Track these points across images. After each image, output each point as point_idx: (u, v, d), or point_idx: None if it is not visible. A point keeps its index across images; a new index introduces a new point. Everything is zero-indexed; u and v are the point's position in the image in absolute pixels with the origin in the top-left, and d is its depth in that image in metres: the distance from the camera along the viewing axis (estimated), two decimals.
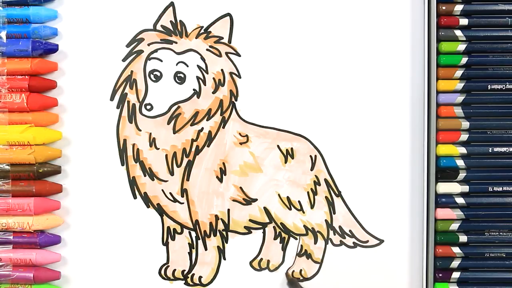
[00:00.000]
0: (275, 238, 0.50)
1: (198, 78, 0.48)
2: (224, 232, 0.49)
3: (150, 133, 0.49)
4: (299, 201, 0.49)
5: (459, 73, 0.48)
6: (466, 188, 0.48)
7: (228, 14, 0.49)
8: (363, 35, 0.49)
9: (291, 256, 0.50)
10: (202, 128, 0.49)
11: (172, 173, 0.49)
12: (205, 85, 0.48)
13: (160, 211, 0.49)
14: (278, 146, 0.49)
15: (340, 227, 0.49)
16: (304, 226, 0.49)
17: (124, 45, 0.49)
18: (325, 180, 0.49)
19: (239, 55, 0.49)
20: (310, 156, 0.49)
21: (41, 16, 0.48)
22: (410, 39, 0.49)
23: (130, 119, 0.49)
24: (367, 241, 0.49)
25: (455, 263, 0.48)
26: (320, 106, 0.49)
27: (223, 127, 0.49)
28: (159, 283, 0.49)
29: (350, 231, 0.49)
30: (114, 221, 0.49)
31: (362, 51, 0.49)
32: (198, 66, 0.48)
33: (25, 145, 0.47)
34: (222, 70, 0.49)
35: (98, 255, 0.49)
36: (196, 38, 0.49)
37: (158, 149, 0.49)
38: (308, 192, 0.49)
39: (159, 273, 0.49)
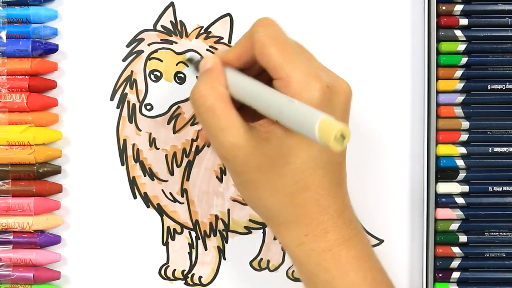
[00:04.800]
0: (275, 238, 0.50)
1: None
2: (224, 232, 0.49)
3: (150, 133, 0.49)
4: None
5: (459, 73, 0.48)
6: (466, 188, 0.48)
7: (228, 14, 0.49)
8: (363, 35, 0.49)
9: None
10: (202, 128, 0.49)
11: (172, 173, 0.49)
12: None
13: (160, 211, 0.49)
14: None
15: None
16: None
17: (124, 45, 0.49)
18: None
19: None
20: None
21: (41, 16, 0.48)
22: (410, 39, 0.49)
23: (130, 119, 0.49)
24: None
25: (455, 263, 0.48)
26: None
27: None
28: (159, 283, 0.49)
29: None
30: (114, 221, 0.49)
31: (362, 51, 0.49)
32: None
33: (25, 145, 0.47)
34: None
35: (98, 255, 0.49)
36: (196, 38, 0.49)
37: (158, 149, 0.49)
38: None
39: (159, 273, 0.49)
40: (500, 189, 0.48)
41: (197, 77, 0.48)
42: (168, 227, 0.49)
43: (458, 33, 0.48)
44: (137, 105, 0.48)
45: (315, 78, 0.36)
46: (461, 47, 0.48)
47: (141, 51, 0.49)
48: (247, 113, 0.38)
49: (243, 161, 0.36)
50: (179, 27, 0.49)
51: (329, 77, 0.37)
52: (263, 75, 0.38)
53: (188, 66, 0.48)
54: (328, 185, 0.37)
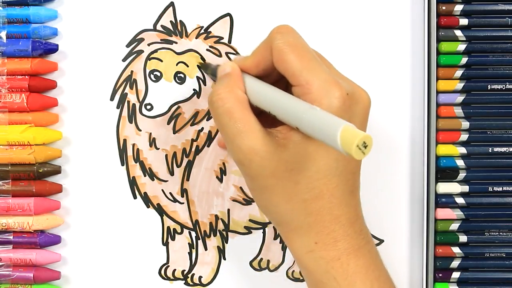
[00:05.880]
0: (275, 238, 0.50)
1: (198, 78, 0.48)
2: (224, 232, 0.49)
3: (150, 133, 0.49)
4: None
5: (459, 73, 0.48)
6: (466, 188, 0.48)
7: (228, 14, 0.49)
8: (363, 35, 0.49)
9: (291, 256, 0.50)
10: (202, 128, 0.49)
11: (172, 173, 0.49)
12: (205, 85, 0.48)
13: (160, 211, 0.49)
14: None
15: None
16: None
17: (124, 45, 0.49)
18: None
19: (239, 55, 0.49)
20: None
21: (41, 16, 0.48)
22: (410, 39, 0.49)
23: (130, 119, 0.49)
24: None
25: (455, 263, 0.48)
26: None
27: None
28: (159, 283, 0.49)
29: None
30: (114, 221, 0.49)
31: (362, 51, 0.49)
32: (198, 66, 0.48)
33: (25, 145, 0.47)
34: None
35: (98, 255, 0.49)
36: (196, 38, 0.49)
37: (158, 149, 0.49)
38: None
39: (159, 273, 0.49)
40: (500, 189, 0.48)
41: (196, 78, 0.48)
42: (168, 227, 0.49)
43: (458, 33, 0.48)
44: (137, 105, 0.48)
45: (335, 85, 0.36)
46: (461, 47, 0.48)
47: (141, 51, 0.49)
48: (264, 119, 0.37)
49: (258, 165, 0.36)
50: (179, 27, 0.49)
51: (348, 85, 0.37)
52: (280, 83, 0.38)
53: (205, 72, 0.48)
54: (342, 194, 0.37)
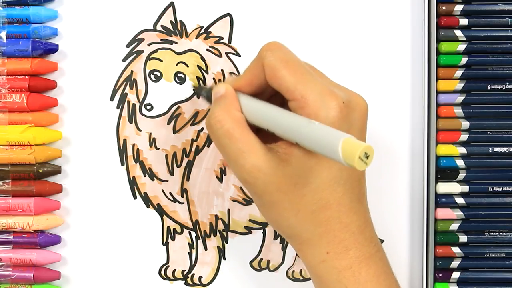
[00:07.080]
0: (275, 238, 0.50)
1: (198, 78, 0.48)
2: (224, 232, 0.49)
3: (150, 133, 0.49)
4: None
5: (459, 73, 0.48)
6: (466, 188, 0.48)
7: (228, 14, 0.49)
8: (363, 35, 0.49)
9: (291, 256, 0.50)
10: (202, 128, 0.49)
11: (172, 173, 0.49)
12: (205, 85, 0.48)
13: (160, 211, 0.49)
14: None
15: None
16: None
17: (124, 45, 0.49)
18: None
19: (239, 55, 0.49)
20: None
21: (41, 16, 0.48)
22: (410, 39, 0.49)
23: (130, 119, 0.49)
24: None
25: (455, 263, 0.48)
26: None
27: None
28: (159, 283, 0.49)
29: None
30: (114, 221, 0.49)
31: (362, 51, 0.49)
32: (198, 66, 0.48)
33: (25, 145, 0.47)
34: (222, 70, 0.49)
35: (98, 255, 0.49)
36: (196, 38, 0.49)
37: (158, 149, 0.49)
38: None
39: (159, 273, 0.49)
40: (500, 189, 0.48)
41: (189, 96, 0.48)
42: (168, 227, 0.49)
43: (458, 33, 0.48)
44: (137, 105, 0.49)
45: (331, 95, 0.36)
46: (461, 47, 0.48)
47: (141, 51, 0.49)
48: (264, 135, 0.38)
49: (263, 182, 0.36)
50: (179, 27, 0.49)
51: (344, 94, 0.37)
52: (275, 99, 0.38)
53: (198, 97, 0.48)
54: (349, 202, 0.37)
